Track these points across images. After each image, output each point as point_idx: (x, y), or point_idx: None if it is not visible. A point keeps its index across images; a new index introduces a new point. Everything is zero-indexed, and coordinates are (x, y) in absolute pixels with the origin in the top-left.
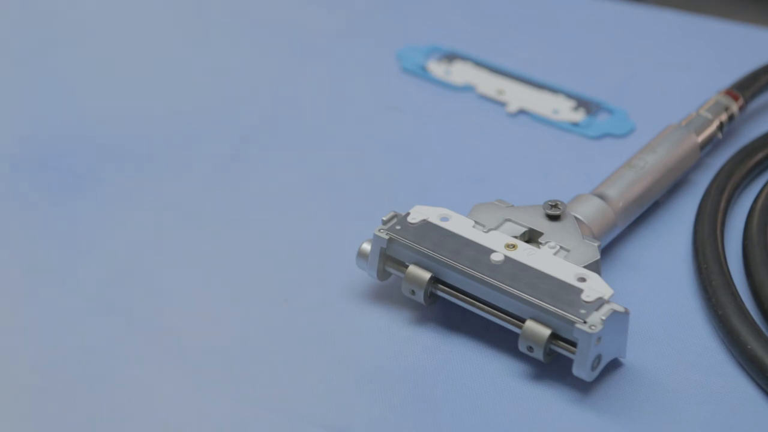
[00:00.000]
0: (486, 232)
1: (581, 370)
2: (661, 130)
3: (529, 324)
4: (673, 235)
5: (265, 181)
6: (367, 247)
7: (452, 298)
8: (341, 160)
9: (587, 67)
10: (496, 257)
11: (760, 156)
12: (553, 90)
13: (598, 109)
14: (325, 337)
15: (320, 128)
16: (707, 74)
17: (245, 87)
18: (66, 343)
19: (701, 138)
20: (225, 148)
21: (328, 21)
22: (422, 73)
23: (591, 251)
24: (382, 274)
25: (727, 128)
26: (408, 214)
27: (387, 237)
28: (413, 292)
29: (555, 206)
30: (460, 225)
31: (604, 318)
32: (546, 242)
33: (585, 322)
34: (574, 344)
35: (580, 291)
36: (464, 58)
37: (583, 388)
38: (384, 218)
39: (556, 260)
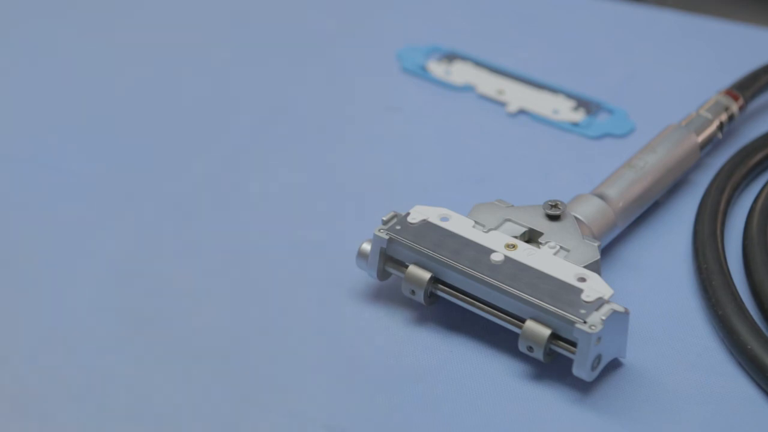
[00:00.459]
0: (486, 232)
1: (581, 370)
2: (661, 130)
3: (529, 324)
4: (673, 235)
5: (265, 181)
6: (367, 247)
7: (452, 298)
8: (341, 160)
9: (587, 67)
10: (496, 257)
11: (760, 156)
12: (553, 90)
13: (598, 109)
14: (325, 337)
15: (320, 128)
16: (707, 74)
17: (245, 87)
18: (66, 343)
19: (701, 138)
20: (225, 147)
21: (328, 21)
22: (422, 73)
23: (591, 251)
24: (382, 274)
25: (727, 128)
26: (408, 214)
27: (387, 237)
28: (413, 292)
29: (555, 206)
30: (460, 225)
31: (604, 318)
32: (546, 242)
33: (585, 322)
34: (574, 344)
35: (580, 291)
36: (464, 58)
37: (583, 388)
38: (384, 218)
39: (556, 260)
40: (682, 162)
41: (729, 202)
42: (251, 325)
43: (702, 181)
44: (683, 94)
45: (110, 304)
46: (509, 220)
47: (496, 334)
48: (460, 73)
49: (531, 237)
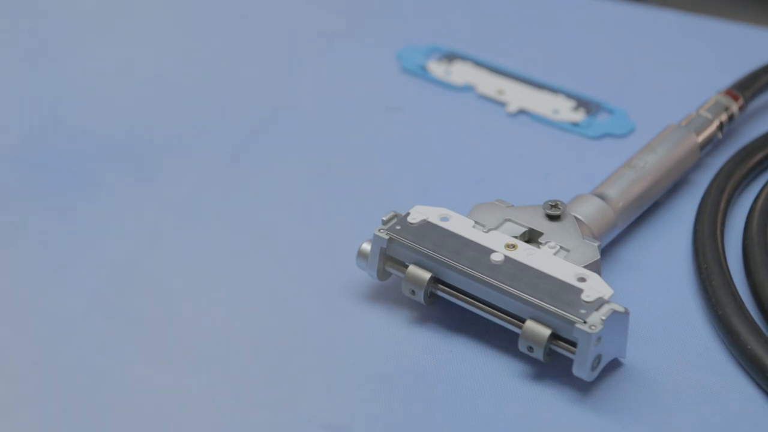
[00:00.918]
0: (486, 232)
1: (581, 370)
2: (661, 130)
3: (529, 324)
4: (673, 235)
5: (265, 181)
6: (367, 247)
7: (452, 298)
8: (341, 160)
9: (587, 67)
10: (496, 257)
11: (760, 156)
12: (553, 90)
13: (598, 109)
14: (325, 337)
15: (320, 128)
16: (707, 74)
17: (245, 87)
18: (66, 343)
19: (701, 138)
20: (225, 148)
21: (328, 21)
22: (422, 73)
23: (591, 251)
24: (382, 274)
25: (727, 128)
26: (408, 214)
27: (387, 237)
28: (413, 292)
29: (555, 206)
30: (460, 225)
31: (604, 318)
32: (546, 242)
33: (585, 322)
34: (574, 344)
35: (580, 291)
36: (464, 58)
37: (583, 388)
38: (384, 218)
39: (556, 260)
40: (682, 162)
41: (729, 202)
42: (251, 325)
43: (702, 181)
44: (683, 94)
45: (110, 304)
46: (509, 220)
47: (496, 334)
48: (460, 73)
49: (531, 237)
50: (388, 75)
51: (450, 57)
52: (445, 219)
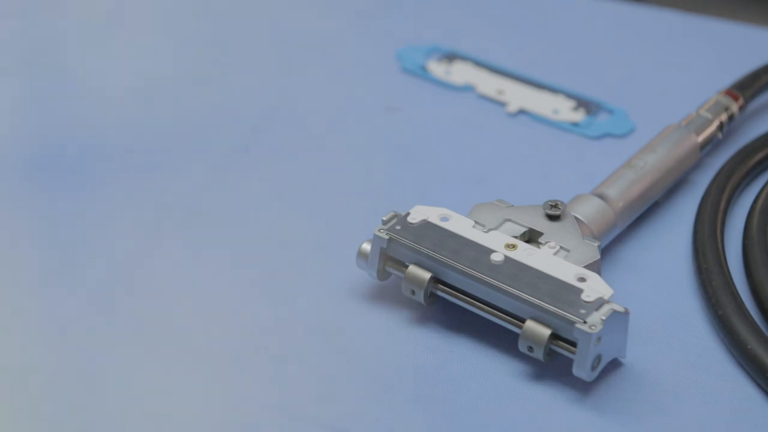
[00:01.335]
0: (486, 232)
1: (581, 370)
2: (661, 130)
3: (529, 324)
4: (673, 235)
5: (265, 181)
6: (367, 247)
7: (452, 298)
8: (341, 159)
9: (587, 67)
10: (496, 257)
11: (760, 156)
12: (553, 90)
13: (598, 109)
14: (325, 337)
15: (320, 128)
16: (707, 74)
17: (245, 87)
18: (66, 343)
19: (701, 138)
20: (225, 148)
21: (328, 21)
22: (422, 73)
23: (591, 251)
24: (382, 274)
25: (727, 128)
26: (408, 214)
27: (387, 237)
28: (413, 292)
29: (555, 206)
30: (460, 225)
31: (604, 318)
32: (546, 242)
33: (585, 322)
34: (574, 344)
35: (580, 291)
36: (464, 58)
37: (583, 388)
38: (384, 218)
39: (556, 260)
40: (682, 162)
41: (729, 202)
42: (251, 325)
43: (702, 181)
44: (683, 94)
45: (110, 303)
46: (509, 220)
47: (496, 334)
48: (460, 73)
49: (531, 237)
50: (388, 75)
51: (450, 57)
52: (445, 219)
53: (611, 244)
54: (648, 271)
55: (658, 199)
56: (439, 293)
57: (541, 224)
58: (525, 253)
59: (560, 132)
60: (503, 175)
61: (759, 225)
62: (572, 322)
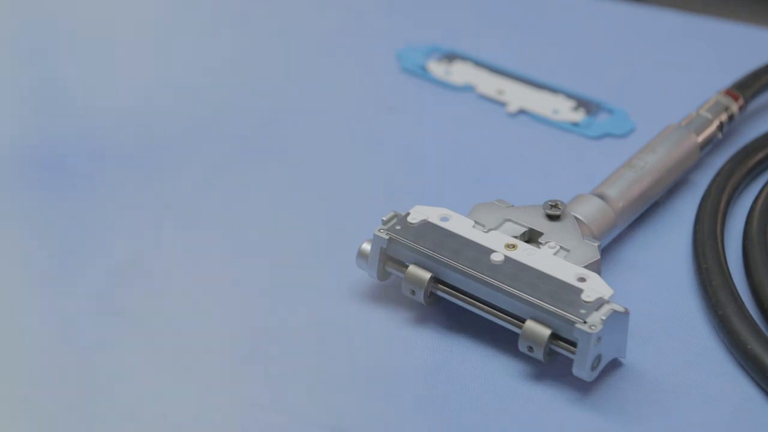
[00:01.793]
0: (486, 232)
1: (581, 370)
2: (661, 130)
3: (529, 324)
4: (673, 235)
5: (264, 181)
6: (367, 247)
7: (452, 298)
8: (341, 160)
9: (587, 67)
10: (496, 257)
11: (760, 156)
12: (553, 90)
13: (598, 109)
14: (325, 336)
15: (320, 128)
16: (707, 74)
17: (245, 87)
18: (66, 343)
19: (701, 138)
20: (225, 148)
21: (328, 21)
22: (422, 73)
23: (591, 251)
24: (382, 274)
25: (727, 128)
26: (408, 214)
27: (387, 237)
28: (413, 292)
29: (555, 206)
30: (460, 225)
31: (604, 318)
32: (546, 242)
33: (585, 322)
34: (574, 344)
35: (580, 291)
36: (464, 58)
37: (583, 388)
38: (384, 218)
39: (556, 260)
40: (682, 162)
41: (729, 202)
42: (251, 325)
43: (702, 181)
44: (683, 94)
45: (110, 303)
46: (509, 220)
47: (496, 334)
48: (460, 73)
49: (531, 237)
50: (388, 75)
51: (450, 57)
52: (445, 219)
53: (611, 244)
54: (648, 271)
55: (658, 199)
56: (439, 293)
57: (541, 224)
58: (525, 253)
59: (560, 132)
60: (503, 175)
61: (759, 225)
62: (572, 322)
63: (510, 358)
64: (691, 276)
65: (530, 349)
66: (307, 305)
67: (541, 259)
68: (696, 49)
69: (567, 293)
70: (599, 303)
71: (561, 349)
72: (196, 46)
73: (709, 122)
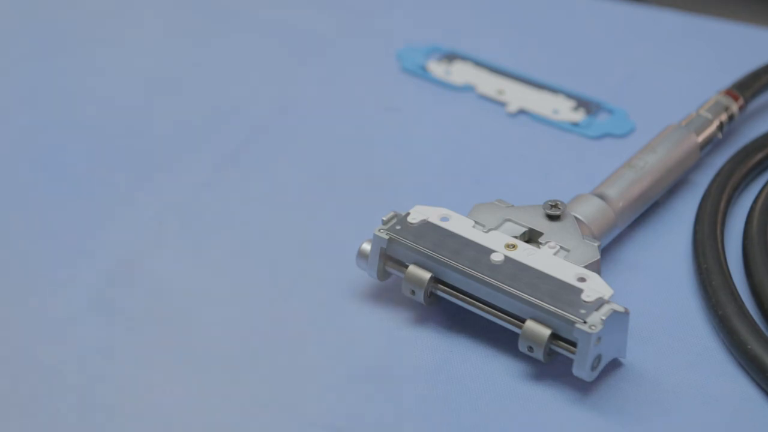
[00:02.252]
0: (486, 232)
1: (581, 370)
2: (661, 130)
3: (529, 324)
4: (673, 235)
5: (265, 181)
6: (367, 247)
7: (452, 298)
8: (341, 160)
9: (587, 67)
10: (496, 257)
11: (760, 156)
12: (553, 90)
13: (598, 109)
14: (325, 336)
15: (320, 128)
16: (707, 74)
17: (245, 87)
18: (66, 343)
19: (701, 138)
20: (225, 148)
21: (328, 21)
22: (422, 73)
23: (591, 251)
24: (382, 274)
25: (727, 128)
26: (408, 214)
27: (387, 237)
28: (413, 292)
29: (555, 206)
30: (460, 225)
31: (604, 318)
32: (546, 242)
33: (585, 322)
34: (574, 344)
35: (580, 291)
36: (464, 58)
37: (583, 388)
38: (384, 218)
39: (556, 260)
40: (682, 162)
41: (729, 202)
42: (251, 325)
43: (702, 181)
44: (683, 94)
45: (110, 304)
46: (509, 220)
47: (496, 334)
48: (460, 73)
49: (531, 237)
50: (388, 75)
51: (450, 57)
52: (445, 219)
53: (611, 244)
54: (648, 271)
55: (658, 199)
56: (439, 293)
57: (541, 224)
58: (525, 253)
59: (560, 132)
60: (503, 175)
61: (759, 225)
62: (572, 322)
63: (510, 358)
64: (691, 276)
65: (530, 349)
66: (307, 305)
67: (541, 259)
68: (696, 49)
69: (567, 293)
70: (599, 303)
71: (561, 349)
72: (196, 45)
73: (709, 122)
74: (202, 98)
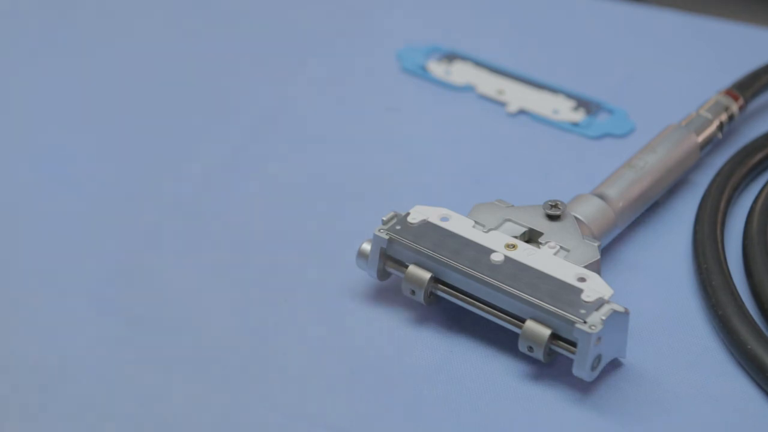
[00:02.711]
0: (486, 232)
1: (581, 370)
2: (661, 130)
3: (529, 324)
4: (673, 235)
5: (265, 181)
6: (367, 247)
7: (452, 298)
8: (341, 160)
9: (587, 67)
10: (496, 257)
11: (760, 156)
12: (553, 90)
13: (598, 109)
14: (325, 337)
15: (320, 128)
16: (707, 74)
17: (245, 87)
18: (66, 343)
19: (701, 138)
20: (225, 148)
21: (328, 21)
22: (422, 73)
23: (591, 251)
24: (382, 274)
25: (727, 128)
26: (408, 214)
27: (387, 237)
28: (413, 292)
29: (555, 206)
30: (460, 225)
31: (604, 318)
32: (546, 242)
33: (585, 322)
34: (574, 344)
35: (580, 291)
36: (464, 58)
37: (583, 388)
38: (384, 218)
39: (556, 260)
40: (682, 162)
41: (729, 202)
42: (251, 325)
43: (702, 181)
44: (683, 94)
45: (110, 304)
46: (509, 220)
47: (496, 334)
48: (460, 73)
49: (531, 237)
50: (388, 75)
51: (450, 57)
52: (445, 219)
53: (611, 244)
54: (648, 271)
55: (658, 199)
56: (439, 293)
57: (541, 224)
58: (525, 253)
59: (560, 132)
60: (503, 175)
61: (759, 225)
62: (572, 322)
63: (510, 358)
64: (691, 276)
65: (530, 349)
66: (307, 305)
67: (541, 259)
68: (696, 49)
69: (567, 293)
70: (599, 303)
71: (561, 349)
72: (196, 45)
73: (709, 122)
74: (201, 98)
